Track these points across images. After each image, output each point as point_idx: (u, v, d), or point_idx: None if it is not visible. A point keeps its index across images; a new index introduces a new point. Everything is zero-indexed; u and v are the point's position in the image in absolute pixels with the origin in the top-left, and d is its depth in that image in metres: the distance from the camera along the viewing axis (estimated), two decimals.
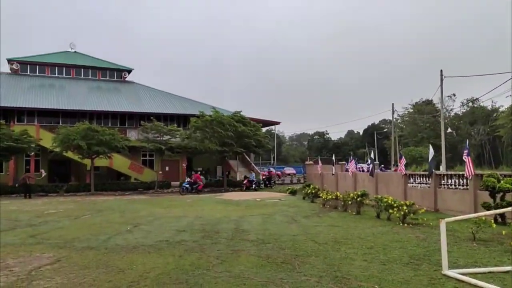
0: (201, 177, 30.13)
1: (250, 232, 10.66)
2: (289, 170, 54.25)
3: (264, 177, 34.56)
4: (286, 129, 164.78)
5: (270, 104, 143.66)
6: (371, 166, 20.64)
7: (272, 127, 47.05)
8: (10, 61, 39.24)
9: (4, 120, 31.01)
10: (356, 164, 25.42)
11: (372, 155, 20.66)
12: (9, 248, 8.66)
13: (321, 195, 18.22)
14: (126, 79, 43.67)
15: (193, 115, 33.13)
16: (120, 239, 9.71)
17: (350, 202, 14.96)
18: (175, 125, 35.23)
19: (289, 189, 24.65)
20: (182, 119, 38.61)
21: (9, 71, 39.54)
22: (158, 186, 31.22)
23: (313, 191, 19.54)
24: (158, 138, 31.93)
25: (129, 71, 43.84)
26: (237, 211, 15.70)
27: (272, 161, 49.26)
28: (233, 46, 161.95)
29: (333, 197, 16.72)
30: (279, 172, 43.63)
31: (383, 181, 19.31)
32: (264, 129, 43.05)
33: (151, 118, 33.00)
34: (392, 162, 47.29)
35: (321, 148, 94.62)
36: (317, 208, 16.52)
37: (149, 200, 22.33)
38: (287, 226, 11.70)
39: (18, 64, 39.27)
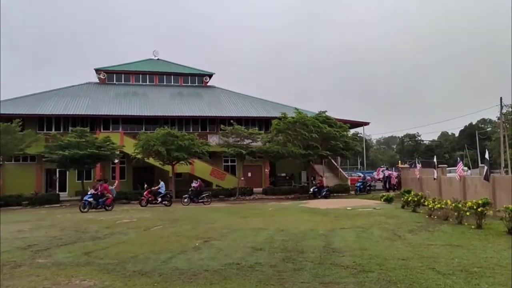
0: (111, 187, 23.97)
1: (344, 252, 8.33)
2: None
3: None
4: (373, 133, 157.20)
5: (356, 107, 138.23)
6: (485, 168, 17.11)
7: (360, 128, 43.83)
8: (97, 70, 40.49)
9: (90, 128, 31.75)
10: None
11: (486, 156, 17.16)
12: (53, 269, 7.23)
13: (426, 203, 15.26)
14: (208, 84, 43.16)
15: (275, 118, 31.30)
16: (183, 260, 7.90)
17: (468, 213, 11.96)
18: (256, 128, 33.68)
19: (383, 195, 21.68)
20: (263, 122, 37.02)
21: (97, 81, 40.77)
22: (240, 193, 29.76)
23: (415, 199, 16.55)
24: (239, 143, 30.53)
25: (210, 75, 43.32)
26: (325, 223, 13.35)
27: (359, 166, 45.97)
28: (319, 48, 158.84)
29: (442, 205, 13.76)
30: (368, 177, 40.24)
31: (504, 187, 15.75)
32: (351, 131, 40.12)
33: (231, 121, 31.76)
34: (502, 164, 41.62)
35: (413, 151, 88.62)
36: (422, 220, 13.64)
37: (228, 208, 20.74)
38: (391, 245, 9.18)
39: (104, 74, 40.43)
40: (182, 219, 15.60)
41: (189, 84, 42.35)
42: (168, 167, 29.44)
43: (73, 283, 6.34)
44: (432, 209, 14.21)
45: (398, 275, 6.42)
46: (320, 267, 7.01)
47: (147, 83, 41.05)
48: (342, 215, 15.64)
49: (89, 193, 21.80)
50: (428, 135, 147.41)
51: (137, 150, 27.94)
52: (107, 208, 21.45)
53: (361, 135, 48.67)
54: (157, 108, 35.23)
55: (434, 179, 21.81)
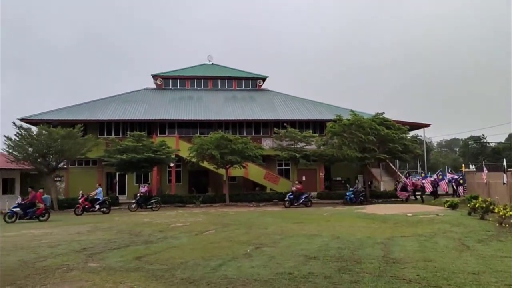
0: (45, 196, 21.97)
1: (405, 263, 7.67)
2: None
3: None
4: (434, 135, 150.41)
5: (417, 109, 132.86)
6: None
7: (420, 131, 41.89)
8: (154, 76, 41.54)
9: (147, 132, 32.58)
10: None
11: None
12: (103, 274, 7.18)
13: (495, 210, 14.06)
14: (261, 87, 43.07)
15: (330, 120, 30.57)
16: (233, 267, 7.59)
17: None
18: (311, 131, 33.06)
19: (447, 201, 20.34)
20: (318, 125, 36.34)
21: (154, 86, 41.85)
22: None
23: (483, 205, 15.32)
24: (293, 146, 30.06)
25: (264, 78, 43.19)
26: (384, 230, 12.58)
27: (419, 169, 43.88)
28: (378, 48, 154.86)
29: None
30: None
31: None
32: (410, 134, 38.45)
33: (285, 124, 31.37)
34: None
35: (477, 154, 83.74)
36: (492, 228, 12.51)
37: (282, 213, 20.31)
38: (458, 256, 8.37)
39: (161, 79, 41.40)
40: (234, 224, 15.39)
41: (243, 87, 42.45)
42: (222, 171, 29.52)
43: None
44: (503, 216, 13.04)
45: None
46: (380, 280, 6.44)
47: (202, 87, 41.60)
48: (402, 221, 14.74)
49: (16, 202, 20.45)
50: (495, 137, 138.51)
51: (191, 154, 28.26)
52: (40, 218, 19.54)
53: (421, 137, 46.44)
54: (211, 112, 35.56)
55: (504, 183, 20.19)
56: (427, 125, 38.36)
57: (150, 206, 24.39)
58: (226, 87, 42.02)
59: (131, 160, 26.65)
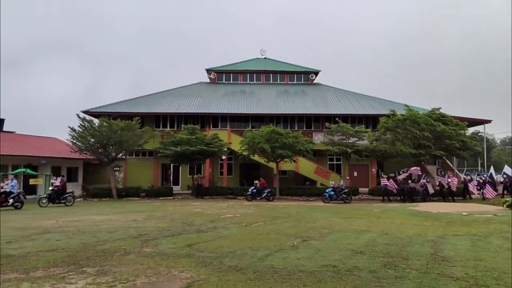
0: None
1: (454, 262, 7.53)
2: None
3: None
4: (498, 131, 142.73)
5: (478, 104, 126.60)
6: None
7: (481, 127, 40.02)
8: (208, 71, 42.44)
9: (201, 125, 33.47)
10: None
11: None
12: (156, 259, 7.62)
13: None
14: (313, 81, 42.85)
15: (383, 115, 29.96)
16: (279, 257, 7.80)
17: None
18: (363, 126, 32.57)
19: (507, 201, 19.46)
20: (370, 120, 35.73)
21: (208, 81, 42.77)
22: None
23: None
24: (344, 141, 29.77)
25: (316, 73, 42.93)
26: (435, 228, 12.31)
27: (479, 167, 42.02)
28: (438, 40, 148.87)
29: None
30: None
31: None
32: (470, 130, 36.87)
33: (337, 119, 31.11)
34: None
35: None
36: None
37: (331, 208, 20.28)
38: None
39: (215, 74, 42.26)
40: (283, 216, 15.61)
41: (295, 82, 42.43)
42: (272, 164, 29.79)
43: (172, 273, 6.58)
44: None
45: None
46: (426, 277, 6.40)
47: (254, 81, 42.04)
48: (455, 220, 14.32)
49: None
50: None
51: (243, 147, 28.72)
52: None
53: (481, 134, 44.45)
54: (263, 106, 35.88)
55: None
56: (488, 121, 36.59)
57: (63, 201, 22.55)
58: (279, 81, 42.19)
59: (185, 152, 27.52)
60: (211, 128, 34.20)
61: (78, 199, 27.80)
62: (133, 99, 37.47)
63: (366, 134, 29.90)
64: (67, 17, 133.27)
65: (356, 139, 29.77)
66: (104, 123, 28.36)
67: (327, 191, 25.58)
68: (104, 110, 33.42)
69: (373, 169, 34.08)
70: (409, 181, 26.87)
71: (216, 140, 28.99)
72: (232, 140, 31.87)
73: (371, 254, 8.21)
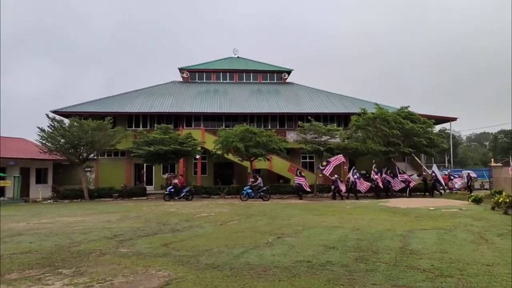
0: None
1: (422, 254, 7.90)
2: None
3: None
4: (463, 129, 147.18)
5: (444, 101, 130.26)
6: None
7: (447, 124, 41.31)
8: (181, 70, 42.23)
9: (174, 125, 33.31)
10: None
11: None
12: (133, 259, 7.70)
13: None
14: (286, 80, 43.24)
15: (354, 114, 30.58)
16: (255, 255, 8.00)
17: None
18: (335, 124, 33.14)
19: (471, 196, 20.25)
20: (342, 118, 36.41)
21: (181, 80, 42.57)
22: (318, 190, 29.51)
23: (507, 200, 15.24)
24: (317, 139, 30.23)
25: (289, 72, 43.33)
26: (404, 223, 12.76)
27: (446, 164, 43.27)
28: (412, 43, 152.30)
29: None
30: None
31: None
32: (437, 128, 37.96)
33: (309, 118, 31.55)
34: None
35: (508, 148, 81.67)
36: None
37: (305, 205, 20.61)
38: (475, 249, 8.53)
39: (188, 73, 42.06)
40: (258, 215, 15.80)
41: (268, 81, 42.72)
42: (246, 163, 29.96)
43: (149, 272, 6.68)
44: None
45: (480, 281, 5.96)
46: (395, 269, 6.72)
47: (227, 80, 42.08)
48: (423, 215, 14.85)
49: None
50: None
51: (217, 146, 28.77)
52: None
53: (448, 131, 45.80)
54: (236, 105, 36.00)
55: None
56: (454, 119, 37.84)
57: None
58: (252, 80, 42.38)
59: (158, 151, 27.35)
60: (185, 128, 34.08)
61: (48, 201, 27.31)
62: (105, 98, 36.96)
63: (338, 133, 30.43)
64: (36, 10, 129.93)
65: (328, 137, 30.26)
66: (75, 123, 27.87)
67: (245, 189, 25.85)
68: (74, 110, 32.85)
69: (345, 167, 34.67)
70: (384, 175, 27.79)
71: (189, 139, 28.93)
72: (206, 139, 31.87)
73: (343, 249, 8.51)
